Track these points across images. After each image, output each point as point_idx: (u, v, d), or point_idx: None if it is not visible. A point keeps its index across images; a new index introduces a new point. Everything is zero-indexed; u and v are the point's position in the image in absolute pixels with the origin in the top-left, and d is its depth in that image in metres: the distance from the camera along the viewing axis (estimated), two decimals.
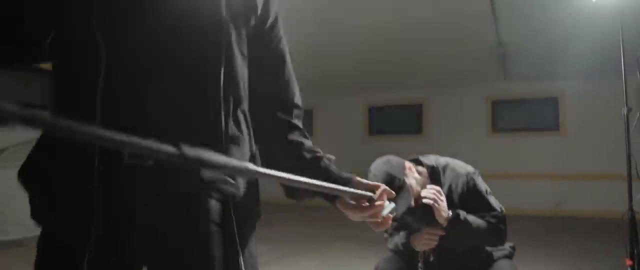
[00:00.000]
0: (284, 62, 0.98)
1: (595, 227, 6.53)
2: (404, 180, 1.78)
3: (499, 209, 1.92)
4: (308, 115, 10.07)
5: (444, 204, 1.82)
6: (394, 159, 1.88)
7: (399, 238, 1.95)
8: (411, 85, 9.18)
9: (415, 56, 7.02)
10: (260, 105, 0.93)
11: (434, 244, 1.85)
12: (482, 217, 1.87)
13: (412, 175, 1.88)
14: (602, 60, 5.78)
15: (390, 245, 2.02)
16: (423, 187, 1.87)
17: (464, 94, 9.05)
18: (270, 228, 5.56)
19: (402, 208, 1.74)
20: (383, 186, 0.94)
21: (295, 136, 0.96)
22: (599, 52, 5.46)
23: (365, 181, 0.96)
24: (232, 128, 0.81)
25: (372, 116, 10.04)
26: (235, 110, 0.83)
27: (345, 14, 5.22)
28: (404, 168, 1.86)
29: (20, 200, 3.59)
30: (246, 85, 0.87)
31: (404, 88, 9.36)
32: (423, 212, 1.85)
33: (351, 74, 8.27)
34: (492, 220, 1.87)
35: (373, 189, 0.93)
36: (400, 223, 1.96)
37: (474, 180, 1.96)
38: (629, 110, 2.34)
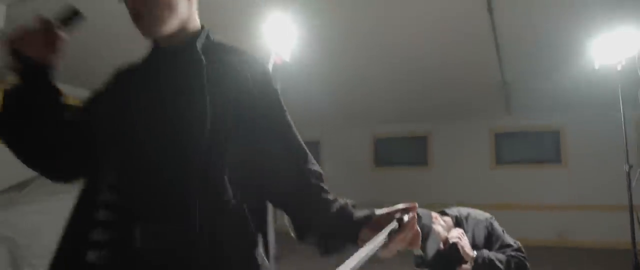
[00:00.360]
0: (291, 131, 1.02)
1: (598, 257, 6.71)
2: (431, 227, 2.04)
3: (514, 244, 2.19)
4: (315, 147, 10.29)
5: (467, 241, 2.08)
6: (421, 210, 2.14)
7: None
8: (417, 118, 9.47)
9: (422, 92, 7.30)
10: (279, 180, 0.98)
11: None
12: (503, 253, 2.13)
13: (439, 223, 2.13)
14: (602, 96, 6.07)
15: None
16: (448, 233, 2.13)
17: (468, 127, 9.34)
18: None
19: (432, 252, 2.00)
20: (405, 205, 0.91)
21: (316, 196, 0.97)
22: (600, 89, 5.74)
23: (384, 210, 0.92)
24: (212, 225, 0.88)
25: (378, 148, 10.27)
26: (218, 206, 0.89)
27: (356, 54, 5.52)
28: (431, 217, 2.11)
29: (45, 234, 3.92)
30: (239, 173, 0.93)
31: (410, 121, 9.63)
32: (451, 253, 2.10)
33: (359, 106, 8.54)
34: (512, 254, 2.14)
35: (394, 214, 0.90)
36: (432, 267, 2.20)
37: (491, 224, 2.24)
38: (630, 167, 2.60)
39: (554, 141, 8.76)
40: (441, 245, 2.10)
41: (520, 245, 2.21)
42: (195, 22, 1.06)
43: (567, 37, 4.10)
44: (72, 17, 0.96)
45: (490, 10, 3.82)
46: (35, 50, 0.92)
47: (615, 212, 6.79)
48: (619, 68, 2.70)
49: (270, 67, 2.75)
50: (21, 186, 5.93)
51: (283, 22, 2.56)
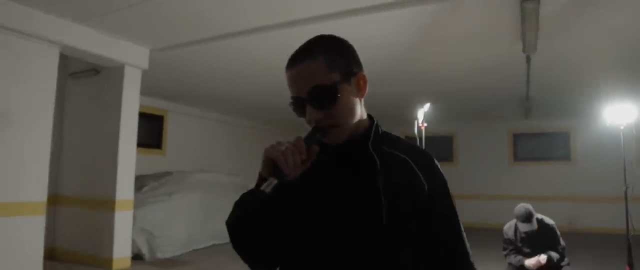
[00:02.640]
0: (459, 232, 1.03)
1: (602, 241, 8.10)
2: (534, 216, 3.47)
3: (562, 243, 3.58)
4: None
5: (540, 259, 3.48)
6: (528, 205, 3.55)
7: (515, 258, 3.60)
8: (444, 120, 10.78)
9: (453, 102, 8.58)
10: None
11: (537, 265, 3.49)
12: (556, 251, 3.53)
13: (536, 215, 3.55)
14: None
15: (510, 261, 3.66)
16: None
17: (488, 128, 10.71)
18: None
19: (527, 229, 3.41)
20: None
21: None
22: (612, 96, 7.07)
23: None
24: None
25: None
26: None
27: (412, 78, 6.81)
28: (532, 215, 3.53)
29: (173, 226, 5.97)
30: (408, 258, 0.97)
31: (438, 122, 10.92)
32: (537, 236, 3.52)
33: (392, 108, 9.75)
34: (562, 251, 3.55)
35: None
36: (517, 246, 3.62)
37: (555, 228, 3.64)
38: (627, 187, 3.94)
39: (565, 141, 10.12)
40: (536, 227, 3.55)
41: (565, 245, 3.64)
42: (364, 115, 1.06)
43: (587, 92, 5.45)
44: (319, 136, 0.96)
45: (528, 59, 5.15)
46: (291, 169, 0.88)
47: (615, 204, 8.06)
48: (622, 127, 4.03)
49: (416, 129, 4.15)
50: (136, 186, 7.26)
51: (426, 105, 4.07)
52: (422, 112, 4.19)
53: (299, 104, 0.99)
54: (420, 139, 4.12)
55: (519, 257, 3.62)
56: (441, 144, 11.20)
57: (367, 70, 1.06)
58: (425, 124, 4.20)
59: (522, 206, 3.63)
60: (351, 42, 1.04)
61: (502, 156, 10.66)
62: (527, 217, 3.56)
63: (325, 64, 0.96)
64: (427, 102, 4.38)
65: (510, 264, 3.67)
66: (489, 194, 10.40)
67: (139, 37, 5.46)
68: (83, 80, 6.17)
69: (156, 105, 8.84)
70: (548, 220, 3.71)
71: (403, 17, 4.45)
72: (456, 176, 10.67)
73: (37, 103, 4.77)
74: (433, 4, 3.99)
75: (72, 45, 5.00)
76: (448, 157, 11.18)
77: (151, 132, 8.94)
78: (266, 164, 0.90)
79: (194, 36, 5.30)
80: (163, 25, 5.03)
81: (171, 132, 9.30)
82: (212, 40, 5.36)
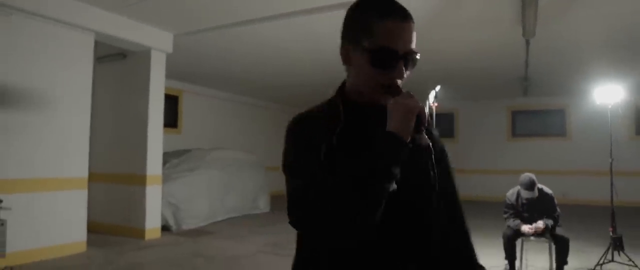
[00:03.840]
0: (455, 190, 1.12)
1: (594, 212, 8.64)
2: (536, 185, 3.94)
3: (558, 211, 4.07)
4: None
5: (539, 226, 3.96)
6: (532, 175, 4.02)
7: (513, 222, 4.10)
8: (446, 97, 11.20)
9: (454, 81, 8.97)
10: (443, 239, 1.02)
11: (533, 231, 3.99)
12: (553, 218, 4.01)
13: (537, 184, 4.01)
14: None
15: (509, 223, 4.15)
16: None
17: (488, 106, 11.18)
18: None
19: (529, 196, 3.88)
20: None
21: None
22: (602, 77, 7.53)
23: None
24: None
25: None
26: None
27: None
28: (536, 184, 4.00)
29: (196, 200, 6.62)
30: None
31: (440, 100, 11.33)
32: (536, 203, 4.00)
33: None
34: (557, 217, 4.04)
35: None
36: (518, 211, 4.11)
37: (553, 197, 4.11)
38: (612, 160, 4.41)
39: (561, 118, 10.60)
40: (536, 194, 4.02)
41: (560, 212, 4.12)
42: None
43: (581, 73, 5.89)
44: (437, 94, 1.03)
45: (527, 43, 5.57)
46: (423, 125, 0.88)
47: (605, 177, 8.46)
48: (609, 106, 4.48)
49: (427, 109, 4.56)
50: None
51: (437, 87, 4.49)
52: (433, 94, 4.60)
53: (392, 57, 0.93)
54: (431, 116, 4.55)
55: (518, 222, 4.12)
56: (443, 121, 11.66)
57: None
58: (436, 104, 4.63)
59: (527, 175, 4.11)
60: None
61: (501, 132, 11.15)
62: (530, 185, 4.03)
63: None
64: (435, 83, 4.79)
65: (508, 226, 4.18)
66: (488, 168, 10.93)
67: (164, 22, 5.83)
68: (110, 64, 6.57)
69: (172, 85, 9.23)
70: (547, 189, 4.18)
71: (414, 3, 4.82)
72: (457, 152, 11.19)
73: (77, 87, 5.19)
74: None
75: (104, 32, 5.39)
76: (450, 133, 11.68)
77: (167, 111, 9.30)
78: (408, 118, 0.87)
79: (217, 22, 5.67)
80: (187, 11, 5.38)
81: (186, 111, 9.73)
82: (233, 26, 5.73)
